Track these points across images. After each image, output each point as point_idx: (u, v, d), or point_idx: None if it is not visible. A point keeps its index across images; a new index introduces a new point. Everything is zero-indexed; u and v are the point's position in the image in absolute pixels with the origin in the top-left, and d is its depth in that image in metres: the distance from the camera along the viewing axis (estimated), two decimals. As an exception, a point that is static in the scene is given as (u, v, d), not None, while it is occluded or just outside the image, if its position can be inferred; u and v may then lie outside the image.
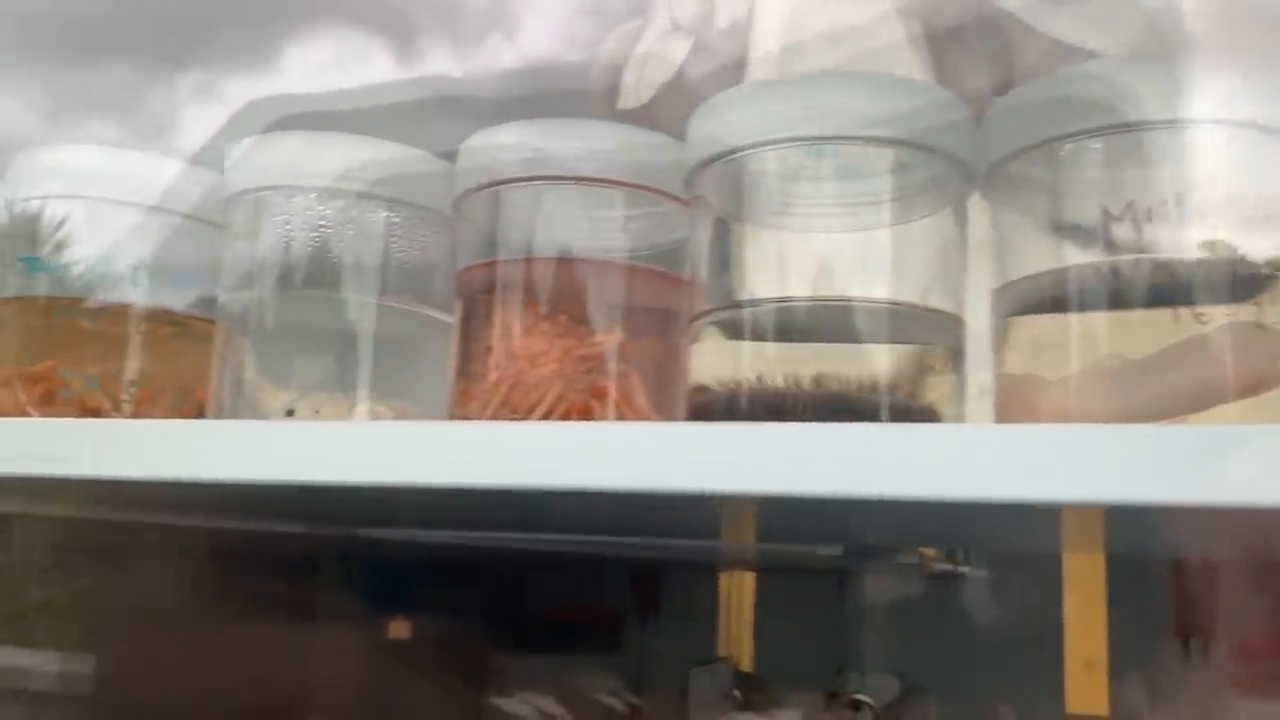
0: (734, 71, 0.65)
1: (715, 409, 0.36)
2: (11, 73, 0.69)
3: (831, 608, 0.77)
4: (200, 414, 0.45)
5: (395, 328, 0.42)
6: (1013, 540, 0.52)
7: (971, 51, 0.47)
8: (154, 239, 0.45)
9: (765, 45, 0.57)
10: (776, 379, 0.34)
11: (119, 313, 0.44)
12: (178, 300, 0.45)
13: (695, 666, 0.67)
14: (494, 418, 0.38)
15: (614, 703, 0.71)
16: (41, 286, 0.44)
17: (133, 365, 0.43)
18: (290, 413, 0.39)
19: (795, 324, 0.35)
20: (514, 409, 0.38)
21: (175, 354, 0.44)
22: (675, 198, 0.39)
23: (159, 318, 0.44)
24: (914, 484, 0.27)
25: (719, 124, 0.36)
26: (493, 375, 0.38)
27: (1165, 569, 0.64)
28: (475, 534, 0.60)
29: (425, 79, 0.69)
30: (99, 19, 0.69)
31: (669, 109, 0.65)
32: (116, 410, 0.43)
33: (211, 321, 0.44)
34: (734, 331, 0.36)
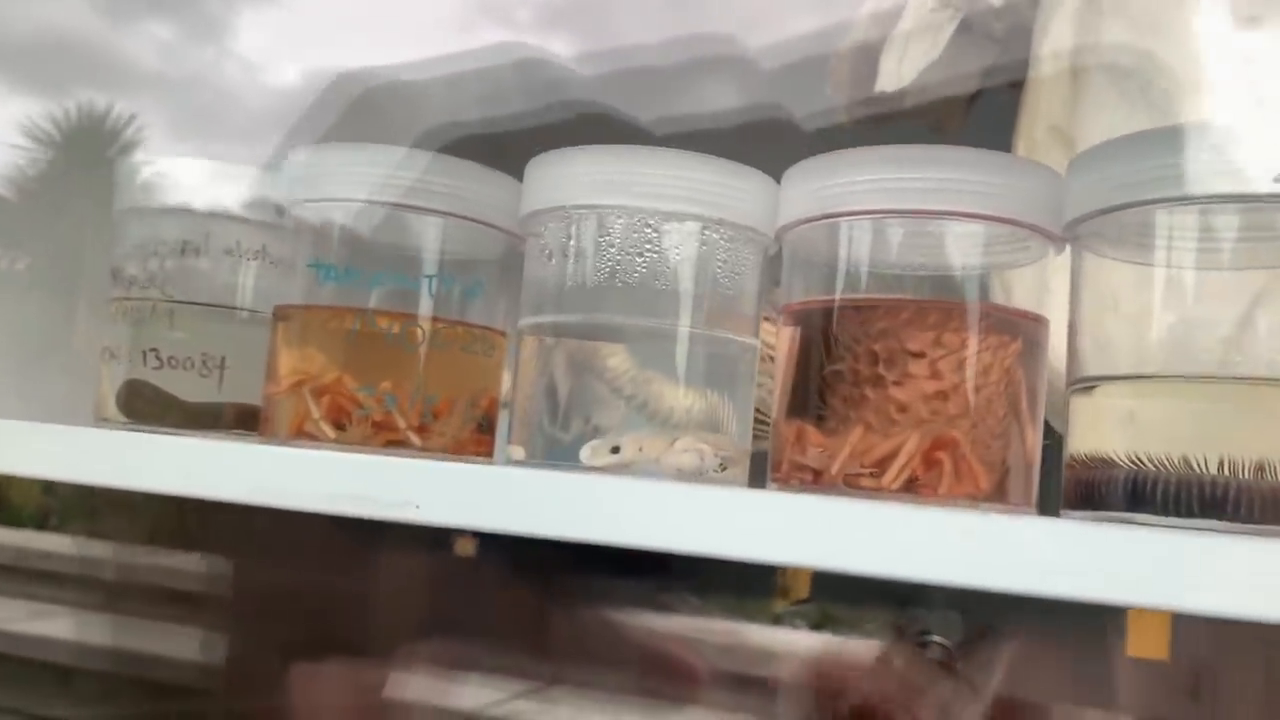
0: (1010, 55, 0.60)
1: (1111, 491, 0.32)
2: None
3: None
4: (486, 427, 0.42)
5: (711, 357, 0.38)
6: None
7: None
8: (449, 246, 0.41)
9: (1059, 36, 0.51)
10: (1208, 462, 0.30)
11: (415, 324, 0.40)
12: (470, 311, 0.42)
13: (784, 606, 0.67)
14: (842, 470, 0.35)
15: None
16: (331, 295, 0.40)
17: (428, 380, 0.40)
18: (616, 449, 0.36)
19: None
20: (864, 461, 0.35)
21: (464, 366, 0.42)
22: (1051, 235, 0.35)
23: (452, 329, 0.41)
24: None
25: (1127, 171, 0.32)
26: (855, 427, 0.35)
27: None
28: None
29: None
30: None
31: (925, 93, 0.60)
32: (414, 431, 0.40)
33: (500, 333, 0.42)
34: (1147, 397, 0.32)
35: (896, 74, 0.57)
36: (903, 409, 0.35)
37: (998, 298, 0.37)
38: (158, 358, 0.45)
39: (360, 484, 0.35)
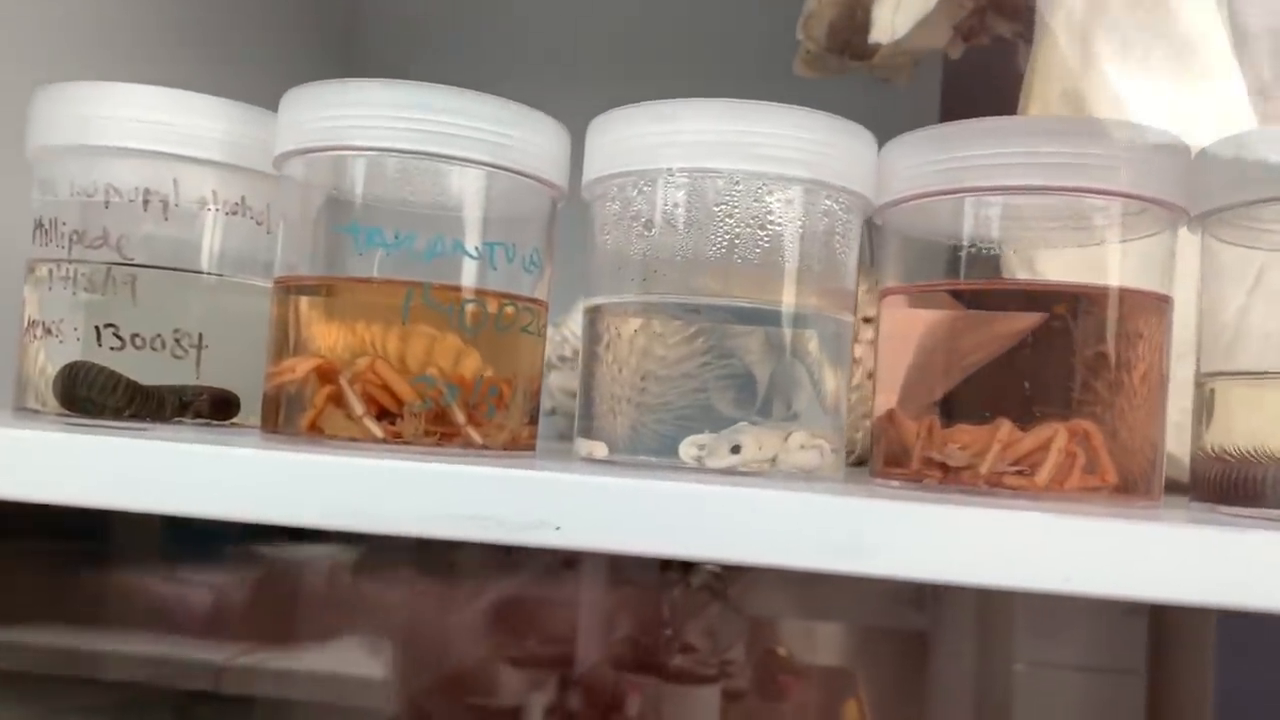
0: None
1: (1268, 487, 0.32)
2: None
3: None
4: (535, 417, 0.37)
5: (828, 337, 0.35)
6: None
7: None
8: (504, 207, 0.36)
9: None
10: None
11: (477, 301, 0.34)
12: (525, 283, 0.36)
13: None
14: (992, 470, 0.32)
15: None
16: (365, 264, 0.34)
17: (489, 365, 0.34)
18: (736, 449, 0.32)
19: None
20: (1013, 459, 0.33)
21: (523, 348, 0.36)
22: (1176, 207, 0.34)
23: (513, 305, 0.35)
24: None
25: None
26: (1002, 427, 0.32)
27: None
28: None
29: None
30: None
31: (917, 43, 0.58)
32: (475, 425, 0.34)
33: (546, 305, 0.38)
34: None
35: (890, 25, 0.54)
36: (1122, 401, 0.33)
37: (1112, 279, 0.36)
38: (117, 336, 0.36)
39: (480, 501, 0.29)
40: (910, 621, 0.88)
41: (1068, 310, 0.34)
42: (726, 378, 0.34)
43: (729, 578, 0.84)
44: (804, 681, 0.89)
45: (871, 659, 0.95)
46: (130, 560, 0.72)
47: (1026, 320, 0.34)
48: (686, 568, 0.78)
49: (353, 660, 0.77)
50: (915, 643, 0.89)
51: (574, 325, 0.53)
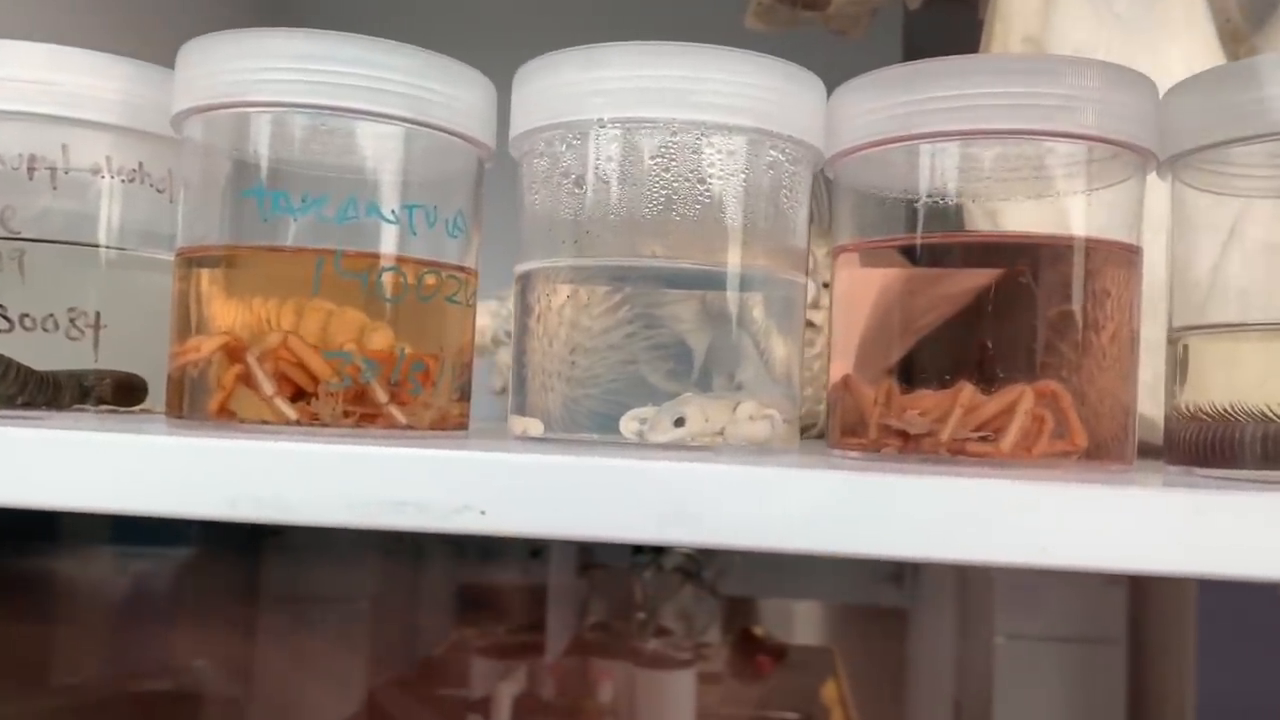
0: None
1: (1242, 447, 0.30)
2: None
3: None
4: (466, 393, 0.35)
5: (775, 301, 0.33)
6: None
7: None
8: (426, 167, 0.34)
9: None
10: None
11: (396, 269, 0.33)
12: (451, 249, 0.35)
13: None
14: (953, 437, 0.30)
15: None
16: (273, 232, 0.32)
17: (411, 339, 0.32)
18: (680, 421, 0.30)
19: None
20: (975, 424, 0.31)
21: (449, 319, 0.35)
22: (1150, 156, 0.32)
23: (437, 273, 0.33)
24: None
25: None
26: (963, 390, 0.30)
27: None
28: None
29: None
30: None
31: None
32: (398, 404, 0.32)
33: (475, 273, 0.36)
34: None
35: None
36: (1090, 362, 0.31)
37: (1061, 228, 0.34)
38: (5, 317, 0.33)
39: (396, 486, 0.27)
40: (889, 598, 0.88)
41: (1030, 264, 0.32)
42: (657, 348, 0.32)
43: (703, 559, 0.84)
44: (782, 661, 0.89)
45: (850, 637, 0.94)
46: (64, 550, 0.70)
47: (977, 277, 0.32)
48: (659, 550, 0.76)
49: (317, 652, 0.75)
50: (894, 619, 0.88)
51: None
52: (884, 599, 0.89)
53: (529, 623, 0.82)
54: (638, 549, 0.81)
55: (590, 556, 0.85)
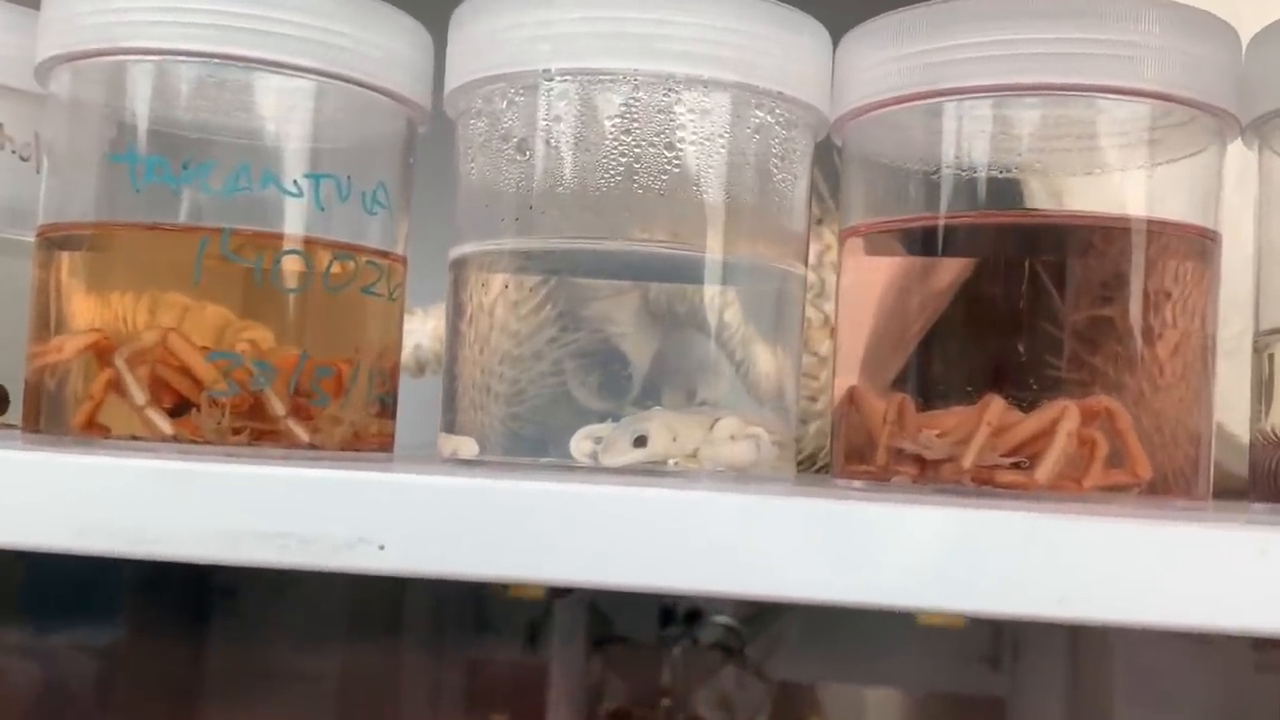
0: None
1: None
2: None
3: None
4: (390, 405, 0.35)
5: (765, 295, 0.33)
6: None
7: None
8: (336, 129, 0.34)
9: None
10: None
11: (297, 252, 0.33)
12: (370, 230, 0.35)
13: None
14: (979, 463, 0.30)
15: None
16: (151, 206, 0.33)
17: (315, 338, 0.33)
18: (641, 440, 0.30)
19: None
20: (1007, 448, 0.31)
21: (366, 315, 0.35)
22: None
23: (349, 259, 0.33)
24: None
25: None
26: (991, 406, 0.30)
27: None
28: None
29: None
30: None
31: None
32: (298, 418, 0.32)
33: (403, 260, 0.36)
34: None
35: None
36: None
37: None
38: None
39: (276, 514, 0.27)
40: (983, 684, 0.86)
41: (1078, 252, 0.32)
42: (583, 356, 0.32)
43: (748, 632, 0.83)
44: (848, 763, 0.87)
45: (936, 734, 0.93)
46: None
47: (952, 270, 0.32)
48: (691, 620, 0.76)
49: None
50: (989, 710, 0.87)
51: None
52: (976, 685, 0.88)
53: (528, 709, 0.82)
54: (666, 619, 0.80)
55: (606, 628, 0.84)
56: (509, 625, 0.80)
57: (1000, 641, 0.71)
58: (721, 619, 0.68)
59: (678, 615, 0.69)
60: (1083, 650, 0.69)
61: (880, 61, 0.33)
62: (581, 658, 0.82)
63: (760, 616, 0.68)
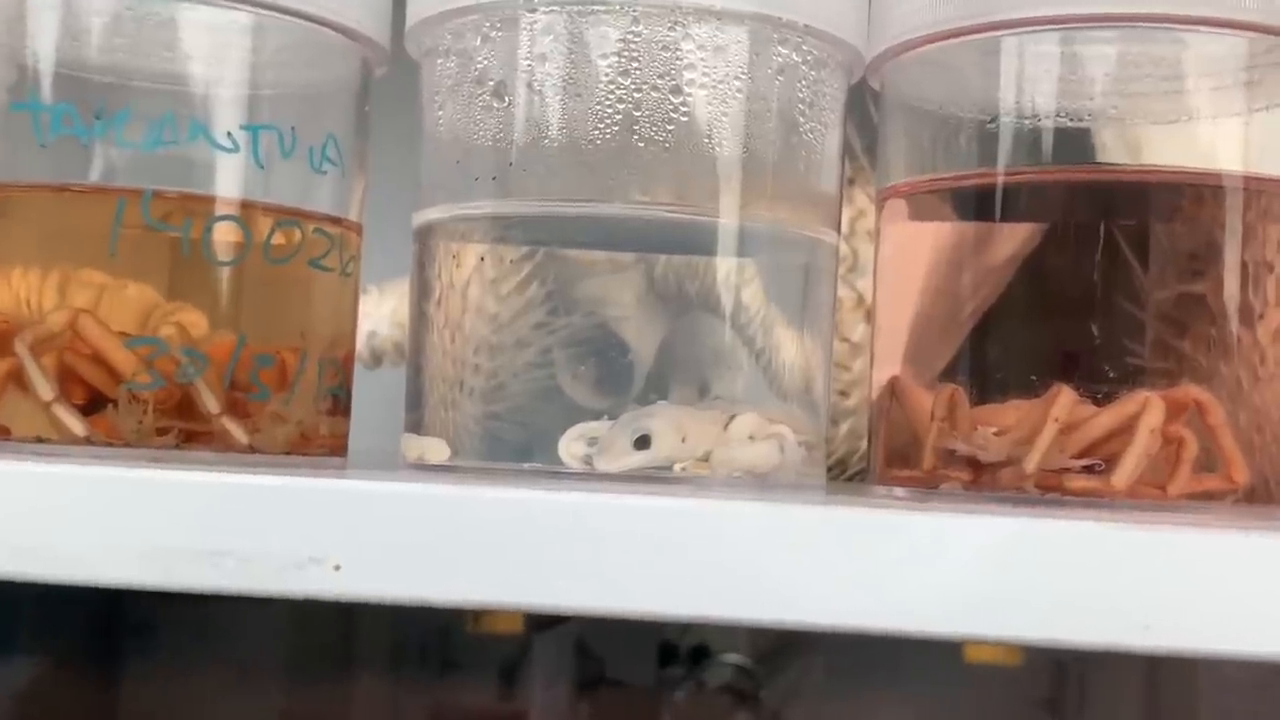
0: None
1: None
2: None
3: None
4: (344, 400, 0.36)
5: (790, 270, 0.33)
6: None
7: None
8: (277, 73, 0.35)
9: None
10: None
11: (231, 219, 0.33)
12: (318, 192, 0.35)
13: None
14: (1044, 466, 0.30)
15: None
16: (56, 164, 0.33)
17: (254, 321, 0.33)
18: (644, 441, 0.30)
19: None
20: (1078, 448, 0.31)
21: (314, 293, 0.36)
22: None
23: (293, 226, 0.34)
24: None
25: None
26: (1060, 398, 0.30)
27: None
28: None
29: None
30: None
31: None
32: (234, 416, 0.32)
33: (357, 228, 0.37)
34: None
35: None
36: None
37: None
38: None
39: (210, 529, 0.27)
40: None
41: (1160, 215, 0.32)
42: (575, 343, 0.32)
43: (763, 673, 0.83)
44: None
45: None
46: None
47: (1012, 239, 0.32)
48: (697, 658, 0.76)
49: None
50: None
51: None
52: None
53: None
54: (667, 658, 0.80)
55: (595, 668, 0.84)
56: (480, 664, 0.80)
57: (1063, 681, 0.71)
58: (732, 657, 0.68)
59: (680, 653, 0.69)
60: (1165, 691, 0.69)
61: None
62: (565, 703, 0.82)
63: (778, 653, 0.68)
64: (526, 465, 0.33)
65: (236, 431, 0.33)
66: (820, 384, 0.35)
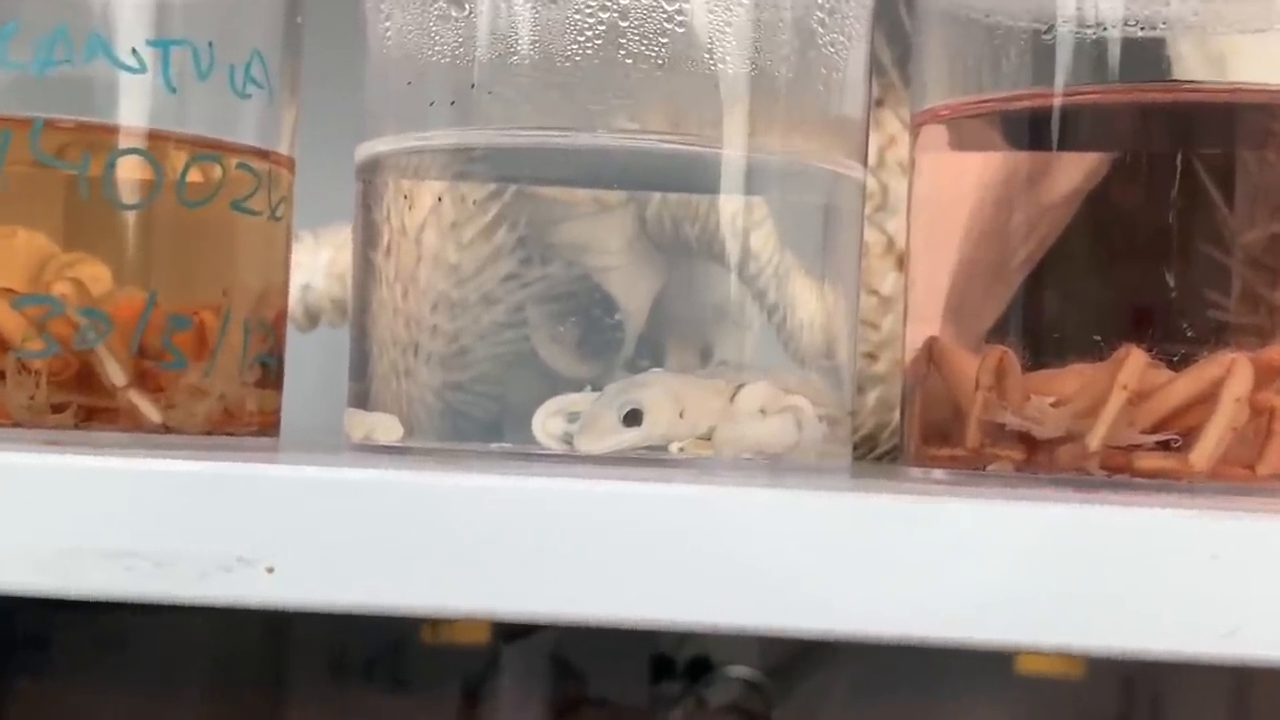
0: None
1: None
2: None
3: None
4: (275, 370, 0.37)
5: (809, 210, 0.34)
6: None
7: None
8: None
9: None
10: None
11: (137, 152, 0.34)
12: (242, 122, 0.35)
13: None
14: (1110, 443, 0.31)
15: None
16: None
17: (166, 275, 0.34)
18: (633, 417, 0.31)
19: None
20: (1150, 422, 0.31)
21: (238, 239, 0.36)
22: None
23: (213, 161, 0.34)
24: None
25: None
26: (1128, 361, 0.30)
27: None
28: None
29: None
30: None
31: None
32: (143, 389, 0.33)
33: (289, 163, 0.37)
34: None
35: None
36: None
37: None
38: None
39: (119, 525, 0.27)
40: None
41: (1248, 143, 0.32)
42: (553, 300, 0.32)
43: (775, 689, 0.83)
44: None
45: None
46: None
47: (1073, 171, 0.32)
48: (697, 673, 0.77)
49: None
50: None
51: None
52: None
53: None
54: (661, 672, 0.81)
55: (575, 684, 0.85)
56: (439, 681, 0.80)
57: (1133, 696, 0.72)
58: (739, 671, 0.69)
59: (677, 666, 0.70)
60: (1254, 706, 0.70)
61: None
62: (553, 721, 0.83)
63: (794, 666, 0.69)
64: (494, 446, 0.33)
65: (147, 408, 0.34)
66: (844, 346, 0.35)
